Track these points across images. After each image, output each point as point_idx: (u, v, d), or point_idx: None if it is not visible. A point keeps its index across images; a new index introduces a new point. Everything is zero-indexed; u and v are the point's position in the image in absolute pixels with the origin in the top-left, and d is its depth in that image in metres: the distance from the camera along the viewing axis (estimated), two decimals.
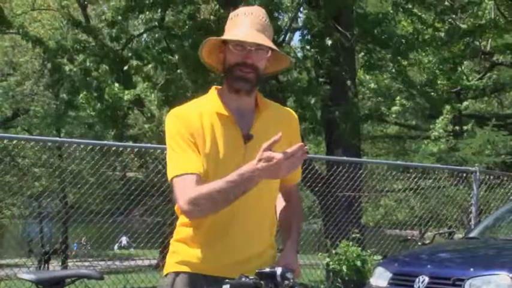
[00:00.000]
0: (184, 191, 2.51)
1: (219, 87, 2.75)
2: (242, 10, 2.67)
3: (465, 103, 20.98)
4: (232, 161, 2.57)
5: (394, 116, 19.20)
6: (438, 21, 17.39)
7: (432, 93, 19.08)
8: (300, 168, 2.81)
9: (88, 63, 16.06)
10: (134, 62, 15.26)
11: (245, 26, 2.60)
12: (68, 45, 16.84)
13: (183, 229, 2.68)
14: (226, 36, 2.63)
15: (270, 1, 14.12)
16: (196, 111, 2.64)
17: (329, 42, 13.84)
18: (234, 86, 2.62)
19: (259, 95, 2.71)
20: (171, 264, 2.71)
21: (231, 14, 2.70)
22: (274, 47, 2.64)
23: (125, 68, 15.46)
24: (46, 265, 21.06)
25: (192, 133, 2.59)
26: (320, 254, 11.09)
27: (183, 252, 2.67)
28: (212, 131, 2.60)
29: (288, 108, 2.84)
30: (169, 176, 2.58)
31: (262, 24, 2.62)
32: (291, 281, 2.55)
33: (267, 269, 2.58)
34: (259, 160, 2.37)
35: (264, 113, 2.68)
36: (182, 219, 2.70)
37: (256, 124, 2.66)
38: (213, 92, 2.72)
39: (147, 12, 15.58)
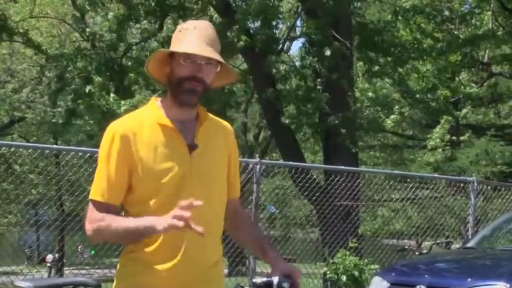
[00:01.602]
0: (95, 218, 2.58)
1: (159, 98, 2.74)
2: (190, 24, 2.67)
3: (464, 110, 21.03)
4: (178, 171, 2.58)
5: (392, 125, 19.22)
6: (437, 31, 17.45)
7: (431, 103, 19.12)
8: (238, 182, 2.85)
9: (88, 69, 16.11)
10: (133, 70, 15.26)
11: (194, 39, 2.59)
12: (69, 51, 16.91)
13: (135, 245, 2.62)
14: (176, 48, 2.61)
15: (267, 9, 14.15)
16: (137, 123, 2.62)
17: (328, 51, 13.85)
18: (181, 99, 2.61)
19: (200, 106, 2.71)
20: (127, 282, 2.65)
21: (179, 27, 2.69)
22: (223, 61, 2.64)
23: (125, 80, 15.51)
24: (60, 272, 21.08)
25: (129, 149, 2.57)
26: (317, 263, 11.07)
27: (139, 269, 2.61)
28: (155, 143, 2.58)
29: (225, 121, 2.85)
30: (90, 195, 2.62)
31: (211, 38, 2.63)
32: None
33: (264, 279, 2.57)
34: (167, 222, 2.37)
35: (205, 124, 2.69)
36: None
37: (199, 134, 2.66)
38: (153, 103, 2.71)
39: (145, 21, 15.64)
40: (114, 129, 2.60)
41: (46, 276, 18.56)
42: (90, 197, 2.61)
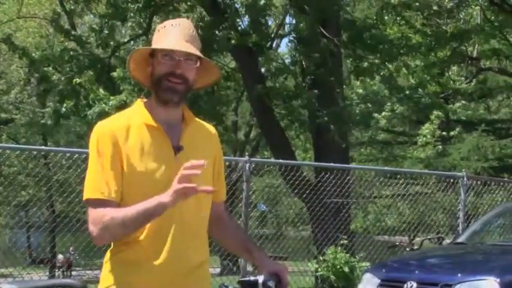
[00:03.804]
0: (97, 217, 2.49)
1: (145, 100, 2.72)
2: (169, 22, 2.67)
3: (457, 104, 21.03)
4: (163, 172, 2.55)
5: (383, 121, 19.22)
6: (425, 26, 17.45)
7: (422, 99, 19.14)
8: (223, 186, 2.84)
9: (74, 70, 16.04)
10: (120, 72, 15.16)
11: (173, 36, 2.60)
12: (55, 53, 16.82)
13: (121, 247, 2.59)
14: (154, 46, 2.62)
15: (256, 7, 14.11)
16: (123, 123, 2.60)
17: (317, 49, 13.81)
18: (163, 98, 2.60)
19: (185, 108, 2.70)
20: (112, 283, 2.60)
21: (158, 27, 2.70)
22: (203, 56, 2.63)
23: (112, 74, 15.41)
24: (69, 273, 21.04)
25: (118, 148, 2.55)
26: (308, 260, 11.05)
27: (123, 270, 2.58)
28: (141, 143, 2.57)
29: (209, 125, 2.84)
30: (85, 195, 2.54)
31: (191, 35, 2.62)
32: None
33: (250, 278, 2.55)
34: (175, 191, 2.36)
35: (190, 126, 2.68)
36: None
37: (184, 135, 2.65)
38: (139, 104, 2.69)
39: (134, 19, 15.59)
40: (101, 128, 2.58)
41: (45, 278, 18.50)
42: (88, 196, 2.52)
